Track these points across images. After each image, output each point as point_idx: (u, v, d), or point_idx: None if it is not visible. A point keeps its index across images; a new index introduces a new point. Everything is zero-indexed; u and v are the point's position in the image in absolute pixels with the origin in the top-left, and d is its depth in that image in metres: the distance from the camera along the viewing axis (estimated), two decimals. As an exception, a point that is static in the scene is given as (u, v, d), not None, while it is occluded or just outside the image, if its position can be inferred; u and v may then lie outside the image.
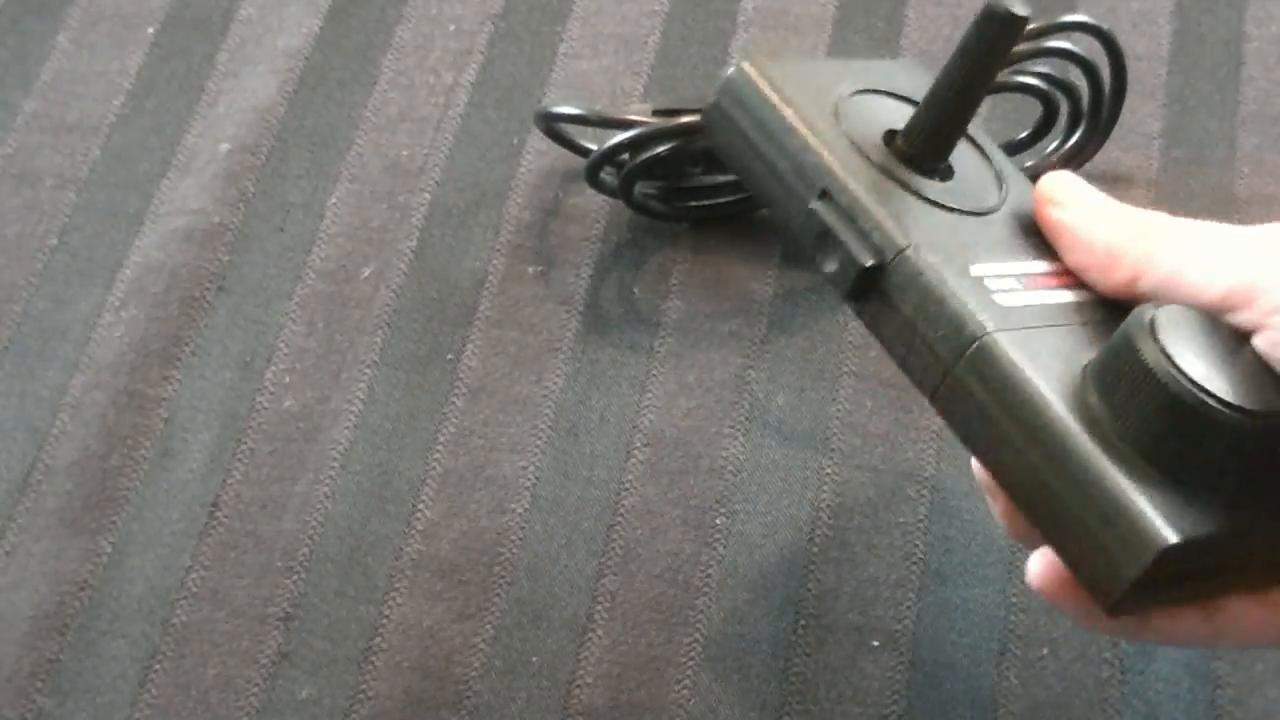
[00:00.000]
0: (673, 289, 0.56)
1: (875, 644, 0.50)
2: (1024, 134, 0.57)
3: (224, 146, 0.60)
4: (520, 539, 0.52)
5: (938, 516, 0.52)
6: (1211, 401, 0.39)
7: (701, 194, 0.57)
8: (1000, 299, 0.41)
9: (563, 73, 0.62)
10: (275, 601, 0.51)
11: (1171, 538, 0.38)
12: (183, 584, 0.51)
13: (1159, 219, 0.43)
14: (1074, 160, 0.57)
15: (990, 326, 0.40)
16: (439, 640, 0.50)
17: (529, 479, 0.53)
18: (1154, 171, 0.59)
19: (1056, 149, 0.57)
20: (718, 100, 0.45)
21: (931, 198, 0.44)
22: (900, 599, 0.51)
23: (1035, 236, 0.44)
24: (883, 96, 0.46)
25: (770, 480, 0.53)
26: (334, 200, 0.59)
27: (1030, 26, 0.53)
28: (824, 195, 0.43)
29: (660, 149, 0.55)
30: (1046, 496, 0.40)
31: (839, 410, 0.54)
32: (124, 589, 0.51)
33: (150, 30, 0.63)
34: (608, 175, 0.56)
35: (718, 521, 0.52)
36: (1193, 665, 0.50)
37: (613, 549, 0.51)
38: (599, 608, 0.50)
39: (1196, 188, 0.58)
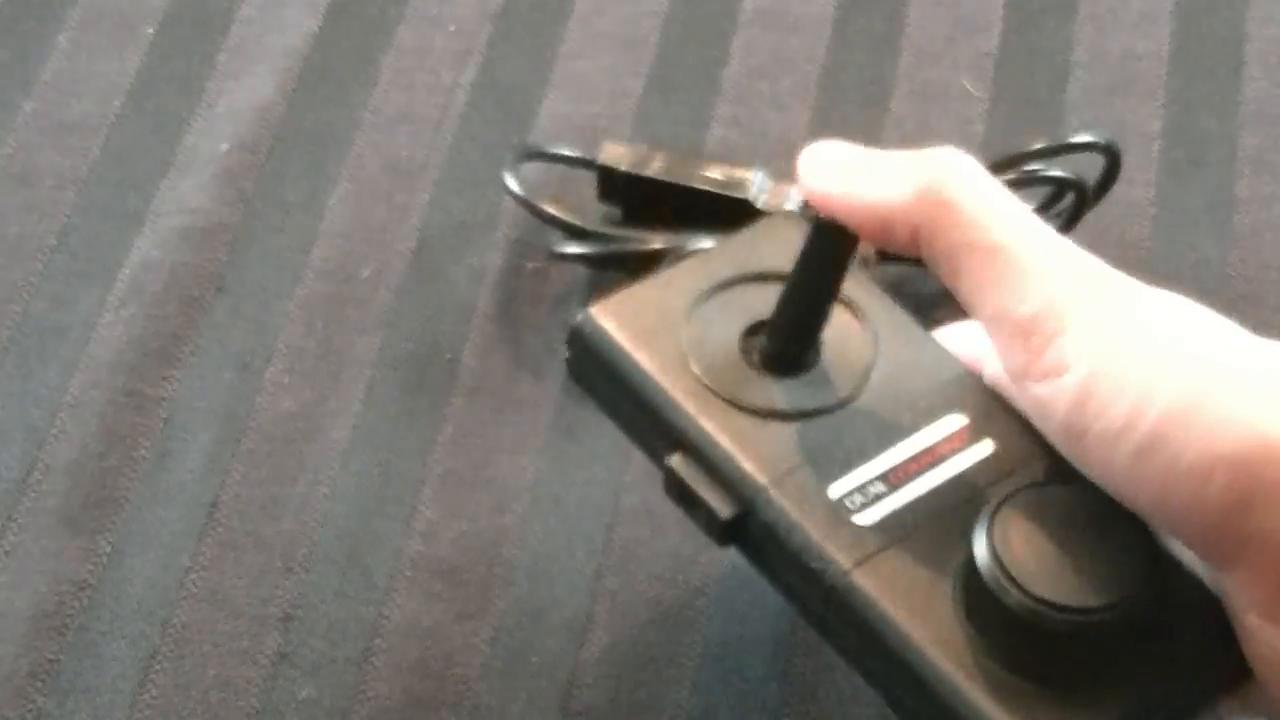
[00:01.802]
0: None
1: (875, 644, 0.50)
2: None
3: (224, 146, 0.60)
4: (520, 539, 0.52)
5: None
6: (1055, 612, 0.38)
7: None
8: (861, 517, 0.41)
9: (563, 73, 0.62)
10: (275, 602, 0.51)
11: None
12: (182, 584, 0.51)
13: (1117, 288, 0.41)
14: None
15: (846, 565, 0.40)
16: (439, 640, 0.50)
17: (529, 479, 0.53)
18: (1154, 171, 0.59)
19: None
20: (569, 350, 0.45)
21: (791, 408, 0.43)
22: (900, 599, 0.51)
23: (909, 399, 0.43)
24: (744, 285, 0.45)
25: (770, 480, 0.53)
26: (333, 200, 0.59)
27: (1037, 147, 0.53)
28: (678, 446, 0.43)
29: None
30: None
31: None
32: (123, 589, 0.51)
33: (150, 30, 0.63)
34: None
35: (718, 521, 0.52)
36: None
37: (613, 549, 0.51)
38: (599, 608, 0.50)
39: (1197, 188, 0.58)
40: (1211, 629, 0.39)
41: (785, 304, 0.43)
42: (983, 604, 0.39)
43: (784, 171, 0.56)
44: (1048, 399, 0.39)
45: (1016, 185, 0.53)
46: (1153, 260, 0.56)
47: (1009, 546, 0.39)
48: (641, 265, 0.52)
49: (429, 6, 0.64)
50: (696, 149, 0.59)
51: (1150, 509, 0.39)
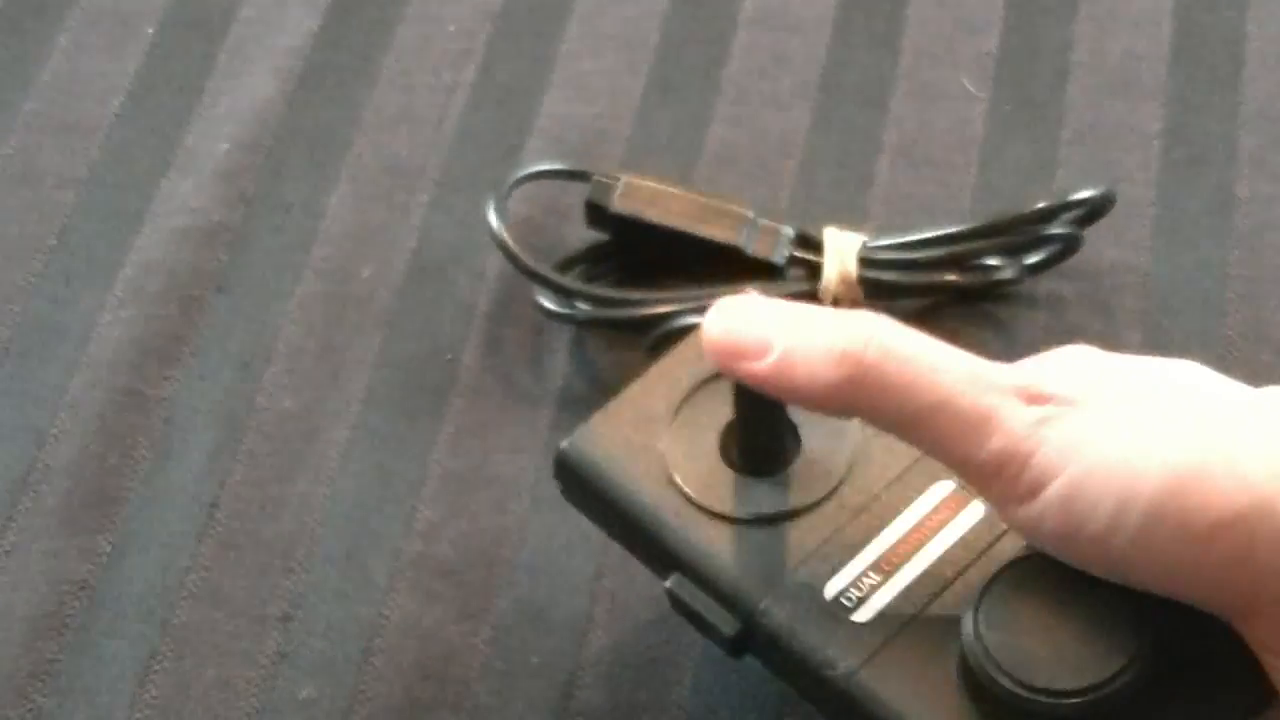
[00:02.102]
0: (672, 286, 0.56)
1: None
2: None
3: (224, 146, 0.60)
4: (520, 539, 0.52)
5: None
6: (1051, 699, 0.38)
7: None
8: (859, 614, 0.41)
9: (563, 73, 0.62)
10: (274, 601, 0.51)
11: None
12: (182, 584, 0.51)
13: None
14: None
15: (849, 668, 0.40)
16: (439, 640, 0.50)
17: (529, 479, 0.53)
18: (1154, 171, 0.59)
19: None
20: (556, 478, 0.45)
21: (777, 511, 0.43)
22: (900, 599, 0.51)
23: (894, 477, 0.43)
24: (716, 383, 0.45)
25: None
26: (333, 200, 0.59)
27: (1039, 207, 0.52)
28: (675, 568, 0.43)
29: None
30: None
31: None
32: (123, 589, 0.51)
33: (150, 30, 0.63)
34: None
35: (718, 521, 0.52)
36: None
37: (613, 549, 0.51)
38: (599, 608, 0.50)
39: (1197, 188, 0.58)
40: (1234, 656, 0.39)
41: (739, 418, 0.44)
42: (982, 692, 0.39)
43: (776, 199, 0.56)
44: (1034, 518, 0.39)
45: (1014, 249, 0.53)
46: (1153, 260, 0.56)
47: (998, 635, 0.39)
48: (627, 327, 0.53)
49: (429, 6, 0.63)
50: (695, 148, 0.59)
51: (1154, 584, 0.39)
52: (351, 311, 0.56)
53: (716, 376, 0.44)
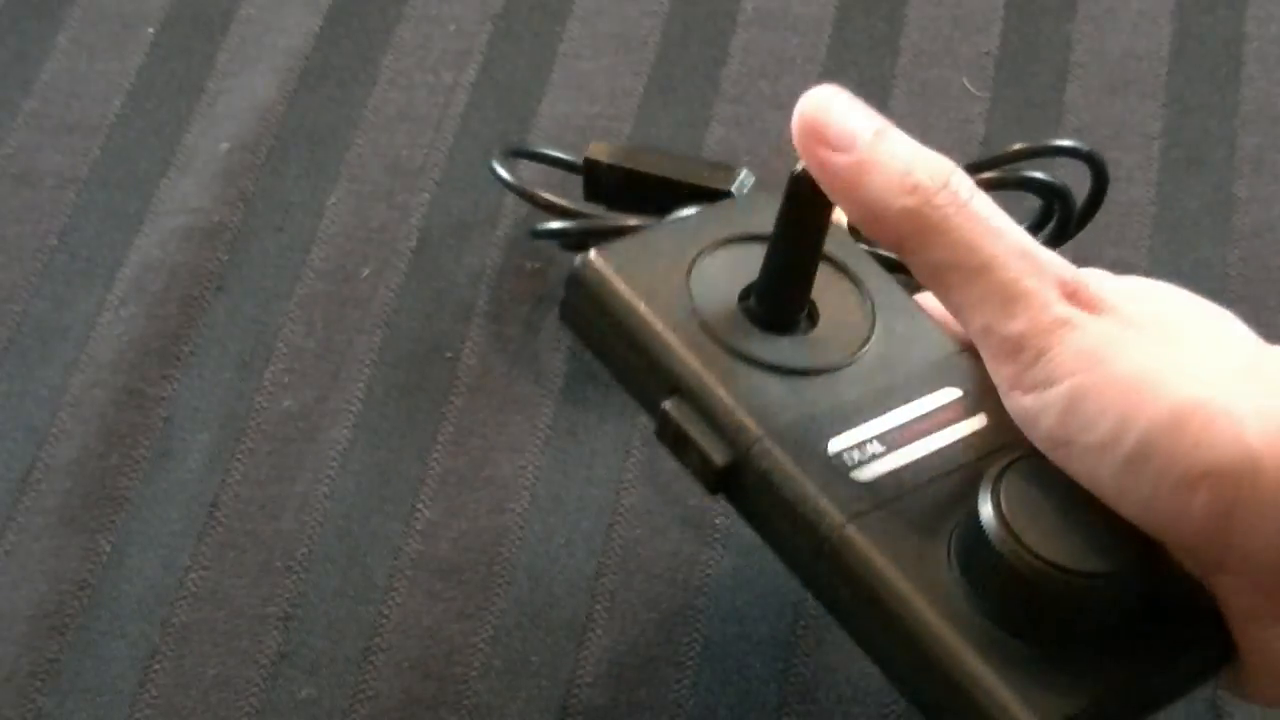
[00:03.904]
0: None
1: (875, 644, 0.50)
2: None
3: (224, 146, 0.60)
4: (520, 539, 0.52)
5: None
6: (1058, 574, 0.38)
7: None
8: (860, 473, 0.41)
9: (563, 73, 0.62)
10: (274, 601, 0.51)
11: None
12: (182, 583, 0.51)
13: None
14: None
15: (842, 519, 0.40)
16: (439, 640, 0.50)
17: (529, 478, 0.53)
18: (1154, 171, 0.59)
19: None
20: (566, 294, 0.44)
21: (789, 365, 0.43)
22: (900, 599, 0.51)
23: (905, 369, 0.43)
24: (739, 244, 0.45)
25: (770, 480, 0.53)
26: (333, 200, 0.59)
27: (1017, 147, 0.52)
28: (675, 390, 0.42)
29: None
30: (918, 688, 0.39)
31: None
32: (123, 588, 0.51)
33: (150, 30, 0.63)
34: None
35: (717, 521, 0.52)
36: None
37: (612, 549, 0.51)
38: (599, 608, 0.50)
39: (1196, 188, 0.58)
40: (1203, 613, 0.40)
41: (769, 263, 0.43)
42: (983, 563, 0.39)
43: (774, 174, 0.56)
44: (1035, 411, 0.40)
45: (994, 187, 0.53)
46: (1153, 260, 0.56)
47: (1014, 508, 0.39)
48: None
49: (429, 6, 0.64)
50: (695, 148, 0.60)
51: (1135, 516, 0.39)
52: (351, 311, 0.56)
53: (730, 242, 0.44)
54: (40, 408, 0.54)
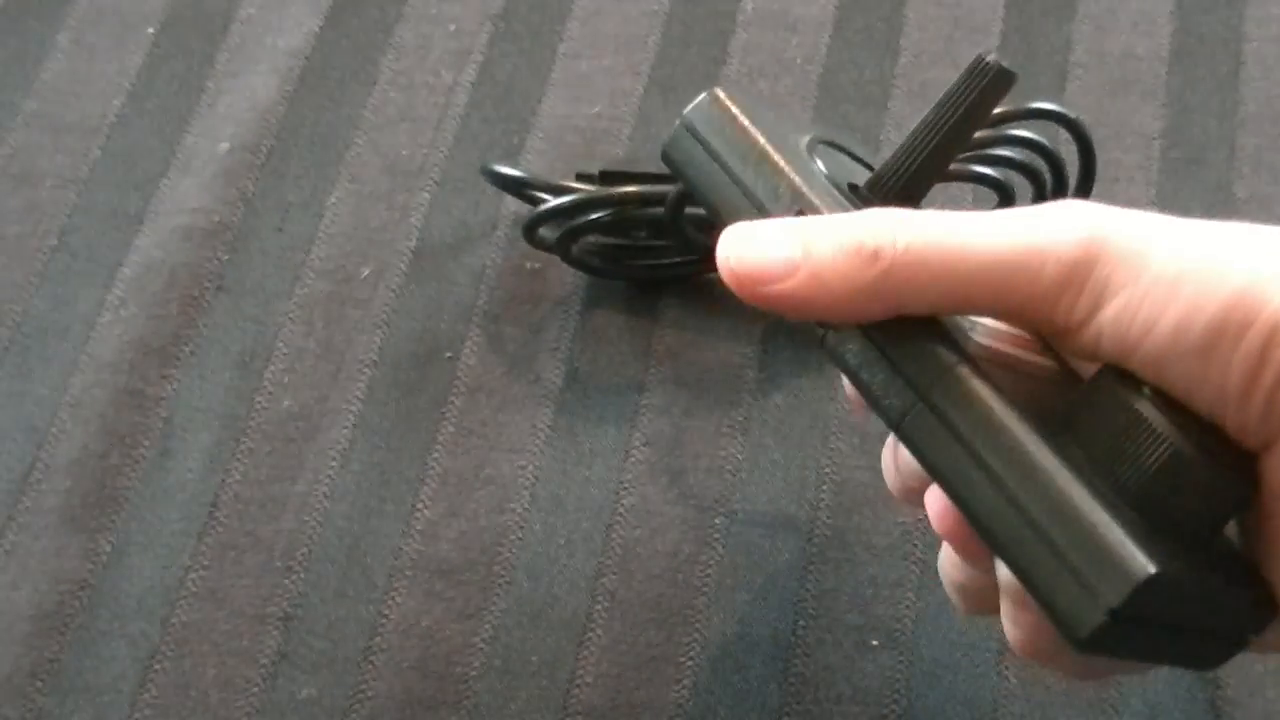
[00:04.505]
0: (671, 286, 0.56)
1: (875, 644, 0.50)
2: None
3: (224, 146, 0.60)
4: (520, 539, 0.52)
5: (937, 516, 0.52)
6: (1205, 459, 0.38)
7: (647, 255, 0.56)
8: (974, 334, 0.41)
9: (563, 73, 0.62)
10: (274, 601, 0.51)
11: (1151, 568, 0.37)
12: (182, 583, 0.51)
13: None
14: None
15: (960, 356, 0.40)
16: (439, 640, 0.50)
17: (528, 478, 0.53)
18: (1154, 171, 0.59)
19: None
20: (688, 122, 0.44)
21: None
22: (900, 599, 0.51)
23: None
24: (838, 151, 0.45)
25: (770, 480, 0.53)
26: (333, 200, 0.59)
27: (996, 111, 0.52)
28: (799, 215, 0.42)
29: (596, 215, 0.54)
30: (1020, 526, 0.39)
31: (838, 410, 0.54)
32: (124, 588, 0.51)
33: (150, 30, 0.63)
34: (549, 232, 0.55)
35: (717, 521, 0.52)
36: (1193, 665, 0.50)
37: (612, 549, 0.51)
38: (599, 608, 0.50)
39: (1196, 188, 0.58)
40: (1246, 578, 0.40)
41: (919, 136, 0.43)
42: (1124, 436, 0.39)
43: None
44: (1094, 339, 0.39)
45: (981, 158, 0.53)
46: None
47: (1153, 391, 0.39)
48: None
49: (429, 6, 0.64)
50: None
51: (1205, 404, 0.38)
52: (351, 311, 0.56)
53: (828, 144, 0.45)
54: (40, 408, 0.54)
